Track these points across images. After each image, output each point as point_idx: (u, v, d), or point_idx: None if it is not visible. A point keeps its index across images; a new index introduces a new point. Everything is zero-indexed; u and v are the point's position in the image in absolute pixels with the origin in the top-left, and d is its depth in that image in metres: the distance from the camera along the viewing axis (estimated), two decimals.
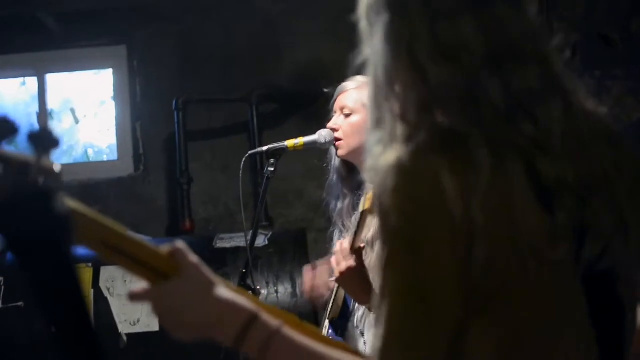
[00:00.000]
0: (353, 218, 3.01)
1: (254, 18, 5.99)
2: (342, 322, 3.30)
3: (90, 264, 4.90)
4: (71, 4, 5.78)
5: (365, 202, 2.90)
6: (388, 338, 1.43)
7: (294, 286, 4.77)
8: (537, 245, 1.45)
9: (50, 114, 6.30)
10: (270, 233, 5.12)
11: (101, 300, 4.82)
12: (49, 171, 1.31)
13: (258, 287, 3.37)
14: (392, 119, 1.57)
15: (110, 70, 6.24)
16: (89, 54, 6.19)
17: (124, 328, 4.77)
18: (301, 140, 3.43)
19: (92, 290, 4.85)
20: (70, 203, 1.40)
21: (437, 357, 1.43)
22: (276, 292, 4.79)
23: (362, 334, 3.18)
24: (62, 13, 5.93)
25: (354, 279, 2.85)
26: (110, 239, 1.49)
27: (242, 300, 1.52)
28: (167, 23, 6.06)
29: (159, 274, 1.50)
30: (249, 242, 3.42)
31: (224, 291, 1.52)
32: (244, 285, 3.36)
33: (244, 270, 3.38)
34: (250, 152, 3.49)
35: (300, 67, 5.88)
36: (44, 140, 1.30)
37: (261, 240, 5.00)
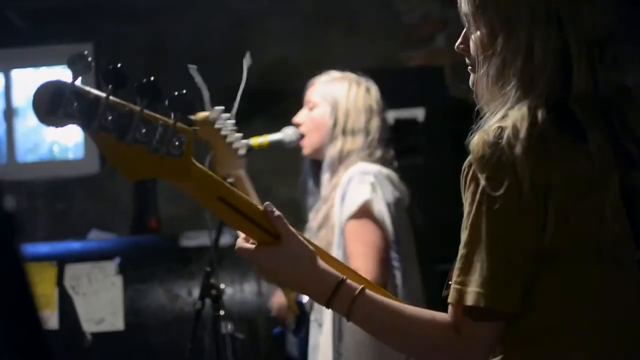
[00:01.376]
0: None
1: (223, 17, 5.98)
2: (303, 319, 3.31)
3: (54, 262, 4.86)
4: (37, 1, 5.74)
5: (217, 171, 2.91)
6: (474, 265, 1.68)
7: (259, 285, 4.76)
8: (614, 245, 1.71)
9: (16, 110, 6.24)
10: (235, 231, 5.09)
11: (65, 299, 4.78)
12: None
13: (223, 286, 3.35)
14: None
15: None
16: (55, 51, 6.14)
17: (88, 327, 4.74)
18: (266, 139, 3.42)
19: (56, 289, 4.81)
20: (198, 165, 1.67)
21: (518, 287, 1.68)
22: (242, 290, 4.78)
23: (320, 325, 3.19)
24: (29, 10, 5.88)
25: None
26: (227, 196, 1.73)
27: (330, 269, 1.81)
28: (135, 21, 6.03)
29: (269, 234, 1.76)
30: (213, 240, 3.40)
31: (318, 261, 1.80)
32: (209, 284, 3.34)
33: (208, 269, 3.36)
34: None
35: (269, 66, 5.87)
36: None
37: (228, 239, 4.97)
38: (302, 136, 3.39)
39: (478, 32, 1.81)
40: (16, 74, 6.21)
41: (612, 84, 1.78)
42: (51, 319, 4.74)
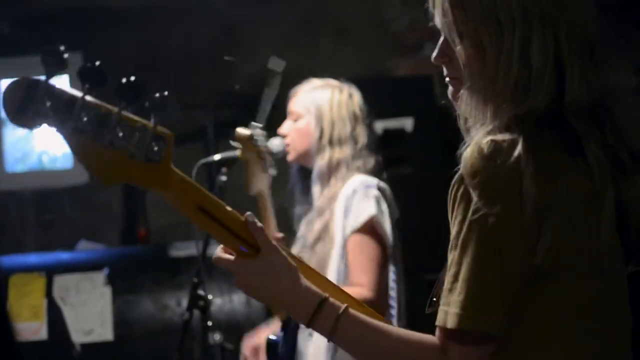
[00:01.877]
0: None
1: (213, 24, 5.97)
2: (292, 328, 3.28)
3: (43, 273, 4.85)
4: (26, 10, 5.72)
5: (246, 186, 2.90)
6: (459, 286, 1.60)
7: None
8: (607, 261, 1.67)
9: (4, 120, 6.22)
10: None
11: (54, 310, 4.76)
12: None
13: (210, 297, 3.33)
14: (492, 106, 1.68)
15: (66, 77, 6.17)
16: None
17: (77, 337, 4.72)
18: None
19: (45, 300, 4.79)
20: (177, 171, 1.61)
21: (503, 307, 1.60)
22: (230, 301, 4.77)
23: (311, 334, 3.17)
24: (16, 18, 5.86)
25: None
26: (208, 205, 1.67)
27: (313, 286, 1.71)
28: (124, 29, 6.01)
29: (249, 246, 1.69)
30: (200, 251, 3.39)
31: (300, 277, 1.71)
32: (196, 295, 3.33)
33: (195, 280, 3.35)
34: (202, 161, 3.45)
35: (258, 73, 5.86)
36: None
37: (217, 249, 4.97)
38: (287, 146, 3.38)
39: (463, 41, 1.71)
40: (4, 83, 6.18)
41: (603, 86, 1.71)
42: (40, 329, 4.72)
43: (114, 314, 4.78)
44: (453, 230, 1.63)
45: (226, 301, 4.74)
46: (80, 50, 6.07)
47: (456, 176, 1.63)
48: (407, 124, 4.86)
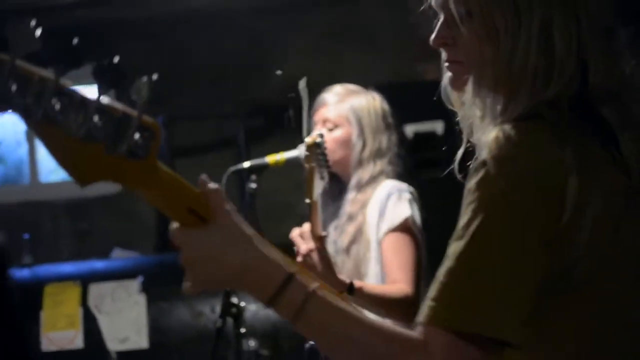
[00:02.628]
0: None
1: (241, 34, 6.00)
2: None
3: (78, 282, 4.88)
4: (54, 21, 5.76)
5: (309, 194, 2.90)
6: (456, 280, 1.39)
7: None
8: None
9: None
10: None
11: (90, 318, 4.79)
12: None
13: (243, 304, 3.35)
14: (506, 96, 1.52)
15: (95, 87, 6.23)
16: (74, 70, 6.17)
17: (113, 346, 4.75)
18: (283, 156, 3.41)
19: (80, 308, 4.82)
20: (164, 168, 1.38)
21: (508, 312, 1.39)
22: (265, 307, 4.77)
23: None
24: (45, 30, 5.91)
25: (317, 262, 2.84)
26: (199, 207, 1.42)
27: (278, 256, 1.44)
28: (154, 39, 6.05)
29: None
30: None
31: (262, 245, 1.44)
32: (228, 302, 3.34)
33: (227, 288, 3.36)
34: (231, 169, 3.46)
35: (286, 81, 5.88)
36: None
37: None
38: None
39: (472, 20, 1.53)
40: None
41: (620, 75, 1.54)
42: (76, 338, 4.75)
43: (148, 322, 4.80)
44: (462, 219, 1.42)
45: (261, 307, 4.74)
46: (110, 59, 6.13)
47: (476, 162, 1.43)
48: (437, 127, 4.85)
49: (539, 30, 1.48)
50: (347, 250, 3.18)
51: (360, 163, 3.24)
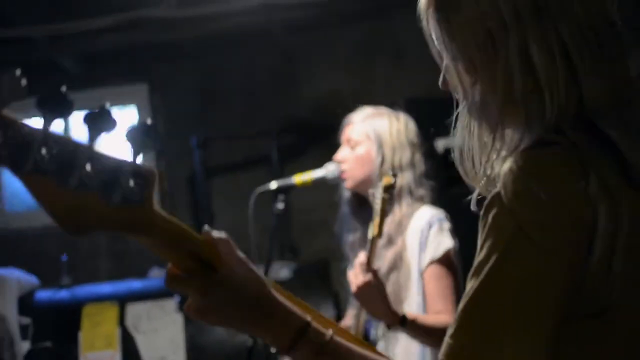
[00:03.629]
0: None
1: (272, 53, 6.04)
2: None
3: (116, 302, 4.92)
4: (89, 45, 5.84)
5: (373, 228, 2.92)
6: (474, 320, 1.34)
7: None
8: None
9: None
10: (295, 265, 5.13)
11: (127, 338, 4.83)
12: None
13: None
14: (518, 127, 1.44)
15: (133, 108, 6.30)
16: (111, 93, 6.25)
17: None
18: (310, 176, 3.43)
19: (118, 328, 4.86)
20: (162, 213, 1.34)
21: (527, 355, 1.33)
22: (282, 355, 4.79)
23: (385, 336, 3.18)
24: (81, 55, 5.99)
25: (372, 293, 2.85)
26: (199, 250, 1.40)
27: (292, 306, 1.45)
28: (186, 60, 6.11)
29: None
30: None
31: (276, 295, 1.44)
32: None
33: None
34: (259, 190, 3.50)
35: (319, 98, 5.91)
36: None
37: (286, 273, 5.01)
38: (343, 172, 3.39)
39: (456, 64, 1.49)
40: (74, 116, 6.31)
41: (621, 79, 1.43)
42: (114, 358, 4.79)
43: (185, 341, 4.83)
44: (479, 255, 1.36)
45: None
46: (146, 81, 6.20)
47: (491, 195, 1.37)
48: None
49: (518, 53, 1.41)
50: (387, 276, 3.18)
51: (380, 177, 3.26)
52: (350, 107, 3.53)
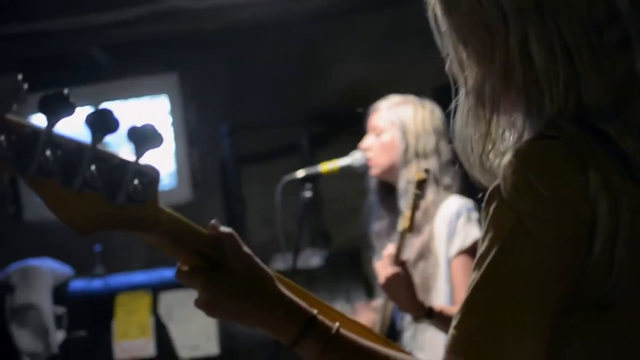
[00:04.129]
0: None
1: (301, 41, 6.03)
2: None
3: (149, 291, 4.95)
4: (119, 36, 5.87)
5: (403, 221, 2.91)
6: (475, 313, 1.35)
7: (350, 305, 4.77)
8: None
9: (108, 143, 6.37)
10: (326, 253, 5.13)
11: (161, 326, 4.86)
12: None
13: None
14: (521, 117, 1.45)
15: (164, 98, 6.32)
16: (141, 83, 6.27)
17: (184, 353, 4.81)
18: (336, 165, 3.44)
19: (152, 317, 4.89)
20: (167, 210, 1.37)
21: (525, 346, 1.33)
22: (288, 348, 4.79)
23: (411, 352, 3.17)
24: (111, 45, 6.02)
25: (400, 285, 2.85)
26: (205, 247, 1.43)
27: (298, 300, 1.46)
28: (216, 49, 6.12)
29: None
30: (291, 264, 3.43)
31: (280, 288, 1.45)
32: None
33: None
34: (285, 180, 3.51)
35: (348, 86, 5.90)
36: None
37: (317, 260, 5.01)
38: (369, 160, 3.39)
39: (453, 49, 1.50)
40: (106, 107, 6.35)
41: (623, 74, 1.41)
42: (147, 346, 4.82)
43: (218, 329, 4.85)
44: (480, 248, 1.36)
45: None
46: (175, 71, 6.22)
47: (492, 187, 1.37)
48: None
49: (518, 47, 1.40)
50: (414, 265, 3.17)
51: (404, 163, 3.25)
52: (379, 95, 3.53)
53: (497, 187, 1.35)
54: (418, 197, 2.96)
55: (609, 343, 1.38)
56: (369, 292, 4.86)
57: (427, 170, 3.01)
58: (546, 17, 1.39)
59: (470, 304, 1.36)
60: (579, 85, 1.38)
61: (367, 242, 5.60)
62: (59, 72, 6.08)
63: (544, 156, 1.35)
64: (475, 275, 1.36)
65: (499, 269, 1.33)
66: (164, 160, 6.38)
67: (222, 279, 1.42)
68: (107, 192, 1.27)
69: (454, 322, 1.37)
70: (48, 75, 6.07)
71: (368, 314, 3.48)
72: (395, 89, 3.58)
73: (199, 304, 1.46)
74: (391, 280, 2.86)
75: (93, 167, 1.24)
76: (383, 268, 2.89)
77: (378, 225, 3.40)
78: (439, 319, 2.84)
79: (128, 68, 6.17)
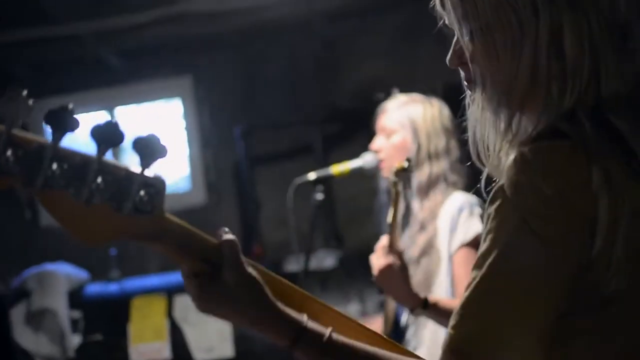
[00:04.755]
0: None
1: (314, 41, 6.03)
2: (396, 338, 3.27)
3: (164, 294, 4.96)
4: (133, 40, 5.88)
5: (390, 215, 2.90)
6: (475, 312, 1.35)
7: (363, 305, 4.77)
8: None
9: (121, 147, 6.39)
10: (340, 254, 5.13)
11: (176, 329, 4.86)
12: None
13: None
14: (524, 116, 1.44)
15: (178, 100, 6.34)
16: (155, 86, 6.29)
17: (199, 355, 4.82)
18: (347, 166, 3.43)
19: (167, 320, 4.90)
20: (173, 219, 1.38)
21: (524, 347, 1.35)
22: (345, 311, 4.79)
23: (416, 348, 3.16)
24: (125, 49, 6.03)
25: (392, 278, 2.82)
26: (212, 255, 1.43)
27: (288, 311, 1.45)
28: (229, 51, 6.13)
29: None
30: (303, 266, 3.42)
31: (271, 299, 1.45)
32: None
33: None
34: (297, 182, 3.50)
35: (362, 85, 5.90)
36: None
37: (331, 261, 5.01)
38: (381, 162, 3.37)
39: (474, 39, 1.46)
40: (120, 111, 6.38)
41: (636, 74, 1.41)
42: (163, 349, 4.83)
43: (233, 331, 4.85)
44: (482, 247, 1.36)
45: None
46: (189, 74, 6.23)
47: (496, 187, 1.36)
48: None
49: (548, 38, 1.39)
50: (418, 261, 3.16)
51: (416, 165, 3.23)
52: (393, 94, 3.51)
53: (501, 187, 1.35)
54: (396, 185, 2.92)
55: (609, 341, 1.37)
56: (382, 292, 4.86)
57: (408, 160, 2.98)
58: (578, 12, 1.39)
59: (470, 305, 1.35)
60: (599, 80, 1.38)
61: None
62: (73, 76, 6.11)
63: (548, 155, 1.34)
64: (475, 275, 1.36)
65: (501, 269, 1.33)
66: (178, 164, 6.39)
67: (219, 285, 1.42)
68: (114, 204, 1.29)
69: (452, 322, 1.36)
70: (62, 79, 6.11)
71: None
72: (410, 87, 3.55)
73: (200, 307, 1.46)
74: (384, 272, 2.83)
75: (99, 179, 1.26)
76: (376, 259, 2.88)
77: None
78: (435, 311, 2.80)
79: (142, 72, 6.19)
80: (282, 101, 6.08)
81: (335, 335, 1.45)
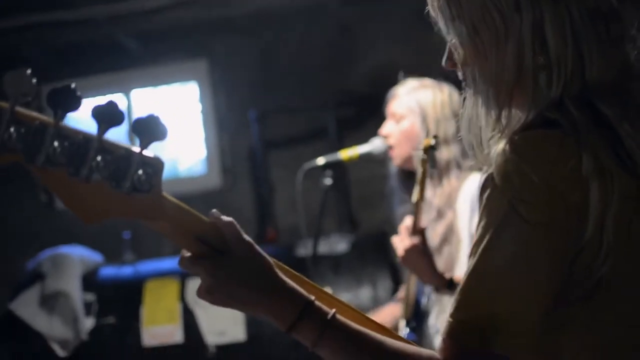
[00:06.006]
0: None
1: (329, 25, 6.01)
2: (417, 321, 3.26)
3: (177, 277, 4.96)
4: (149, 23, 5.88)
5: (416, 192, 2.88)
6: (472, 298, 1.38)
7: (375, 290, 4.75)
8: None
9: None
10: (353, 238, 5.11)
11: (188, 313, 4.87)
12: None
13: (330, 291, 3.35)
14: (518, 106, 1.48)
15: (194, 84, 6.33)
16: (171, 69, 6.28)
17: (211, 339, 4.82)
18: (356, 151, 3.41)
19: (179, 303, 4.90)
20: (170, 199, 1.43)
21: (522, 336, 1.37)
22: (357, 296, 4.78)
23: (439, 331, 3.14)
24: (141, 32, 6.03)
25: (418, 257, 2.82)
26: (206, 234, 1.48)
27: (296, 285, 1.49)
28: (245, 34, 6.11)
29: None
30: (311, 250, 3.41)
31: (278, 274, 1.48)
32: None
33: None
34: (306, 166, 3.50)
35: (376, 70, 5.87)
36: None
37: (343, 246, 5.00)
38: (390, 147, 3.35)
39: (462, 40, 1.50)
40: (136, 94, 6.38)
41: (622, 65, 1.45)
42: (175, 332, 4.83)
43: (246, 315, 4.84)
44: (475, 235, 1.40)
45: (353, 296, 4.75)
46: (204, 57, 6.22)
47: (486, 175, 1.40)
48: None
49: (531, 31, 1.43)
50: (439, 249, 3.14)
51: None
52: (403, 79, 3.49)
53: (491, 175, 1.38)
54: (425, 163, 2.91)
55: (599, 330, 1.40)
56: (395, 277, 4.84)
57: (435, 137, 2.96)
58: (560, 2, 1.42)
59: (466, 293, 1.39)
60: (584, 68, 1.42)
61: (394, 226, 5.59)
62: (89, 59, 6.12)
63: (537, 143, 1.38)
64: (470, 262, 1.39)
65: (492, 256, 1.36)
66: (194, 147, 6.39)
67: (224, 265, 1.46)
68: (113, 182, 1.33)
69: (450, 310, 1.39)
70: (78, 63, 6.12)
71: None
72: (424, 72, 3.52)
73: (201, 291, 1.50)
74: (410, 252, 2.83)
75: (99, 158, 1.31)
76: (401, 241, 2.86)
77: (402, 210, 3.37)
78: None
79: (157, 55, 6.19)
80: (297, 85, 6.07)
81: (338, 316, 1.47)
